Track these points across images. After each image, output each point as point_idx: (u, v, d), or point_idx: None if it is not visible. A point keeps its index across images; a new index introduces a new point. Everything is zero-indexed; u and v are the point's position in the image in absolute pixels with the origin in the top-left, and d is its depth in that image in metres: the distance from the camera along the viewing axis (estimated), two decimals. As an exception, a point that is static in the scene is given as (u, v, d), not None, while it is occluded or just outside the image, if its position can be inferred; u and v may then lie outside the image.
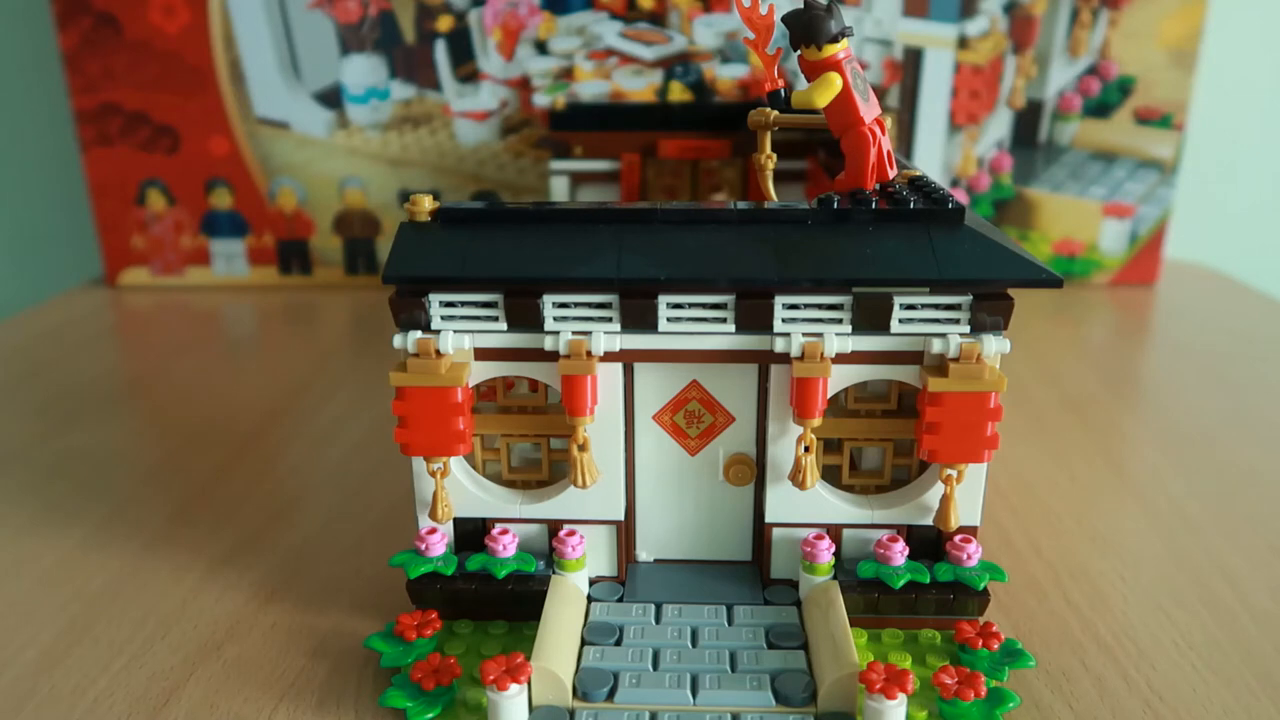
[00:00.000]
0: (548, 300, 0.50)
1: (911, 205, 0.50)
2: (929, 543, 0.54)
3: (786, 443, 0.53)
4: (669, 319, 0.50)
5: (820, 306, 0.50)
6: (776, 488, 0.54)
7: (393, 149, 1.13)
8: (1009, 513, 0.67)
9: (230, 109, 1.12)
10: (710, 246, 0.49)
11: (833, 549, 0.53)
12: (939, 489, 0.52)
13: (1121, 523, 0.66)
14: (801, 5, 0.51)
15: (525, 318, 0.50)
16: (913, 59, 1.09)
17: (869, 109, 0.52)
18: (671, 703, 0.47)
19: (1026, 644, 0.52)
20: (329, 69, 1.11)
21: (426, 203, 0.52)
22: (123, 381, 0.92)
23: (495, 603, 0.54)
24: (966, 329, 0.50)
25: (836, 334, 0.50)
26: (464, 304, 0.51)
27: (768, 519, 0.54)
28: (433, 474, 0.52)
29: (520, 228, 0.51)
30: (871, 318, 0.50)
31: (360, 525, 0.66)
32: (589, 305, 0.50)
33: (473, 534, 0.55)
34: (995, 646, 0.50)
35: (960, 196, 1.12)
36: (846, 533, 0.55)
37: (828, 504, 0.54)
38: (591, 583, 0.55)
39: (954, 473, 0.51)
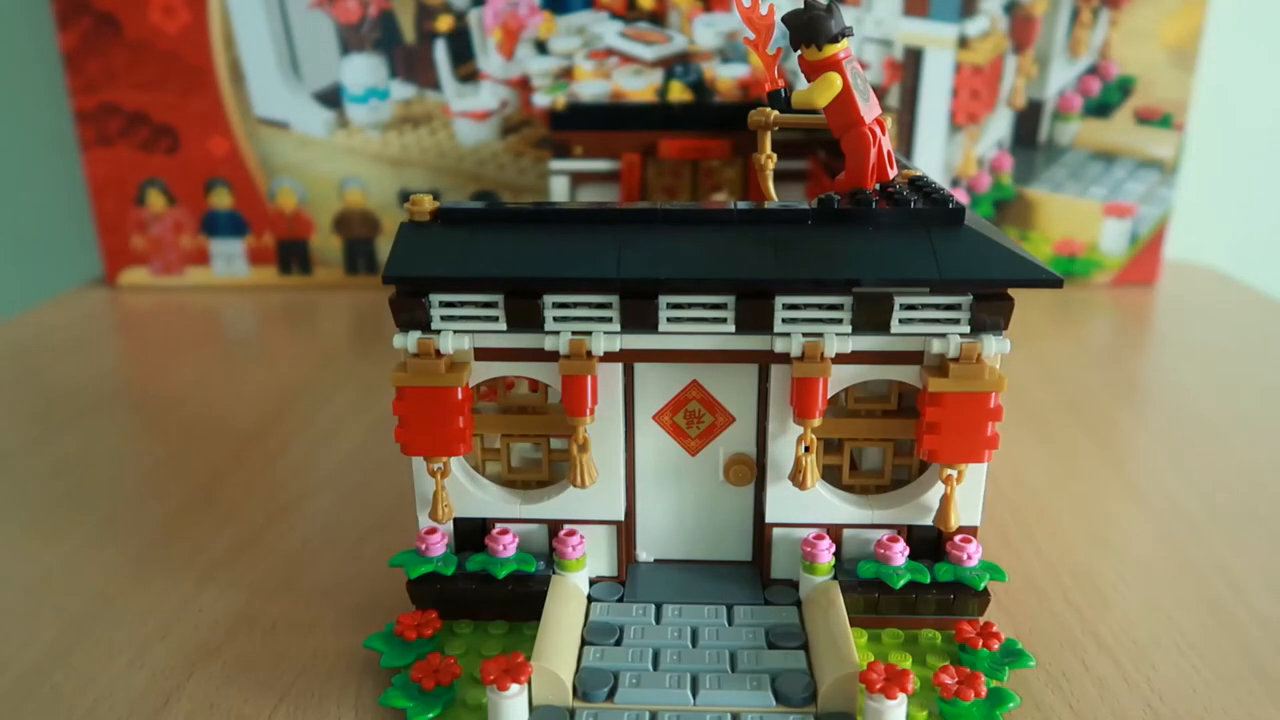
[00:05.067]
0: (548, 300, 0.50)
1: (911, 205, 0.50)
2: (929, 543, 0.54)
3: (786, 443, 0.53)
4: (669, 319, 0.50)
5: (820, 306, 0.50)
6: (776, 488, 0.54)
7: (393, 149, 1.13)
8: (1009, 513, 0.67)
9: (230, 109, 1.12)
10: (710, 246, 0.49)
11: (833, 549, 0.53)
12: (939, 489, 0.52)
13: (1121, 523, 0.66)
14: (801, 5, 0.51)
15: (525, 318, 0.50)
16: (913, 59, 1.09)
17: (869, 109, 0.52)
18: (671, 703, 0.47)
19: (1026, 644, 0.52)
20: (329, 69, 1.11)
21: (426, 203, 0.52)
22: (123, 382, 0.92)
23: (495, 603, 0.54)
24: (966, 329, 0.50)
25: (836, 334, 0.50)
26: (464, 304, 0.51)
27: (768, 519, 0.54)
28: (433, 474, 0.52)
29: (520, 228, 0.51)
30: (871, 318, 0.49)
31: (360, 525, 0.66)
32: (589, 305, 0.50)
33: (473, 534, 0.55)
34: (995, 646, 0.50)
35: (960, 196, 1.12)
36: (846, 533, 0.55)
37: (828, 504, 0.54)
38: (591, 583, 0.55)
39: (954, 473, 0.51)
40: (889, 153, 0.53)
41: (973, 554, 0.53)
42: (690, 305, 0.50)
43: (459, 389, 0.50)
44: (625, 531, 0.55)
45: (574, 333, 0.50)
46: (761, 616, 0.52)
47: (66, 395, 0.88)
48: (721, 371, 0.53)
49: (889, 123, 0.55)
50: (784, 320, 0.50)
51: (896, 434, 0.53)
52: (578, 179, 0.99)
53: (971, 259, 0.48)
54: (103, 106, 1.12)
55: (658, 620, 0.52)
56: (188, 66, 1.10)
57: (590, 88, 1.10)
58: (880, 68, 1.10)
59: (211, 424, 0.81)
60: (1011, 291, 0.49)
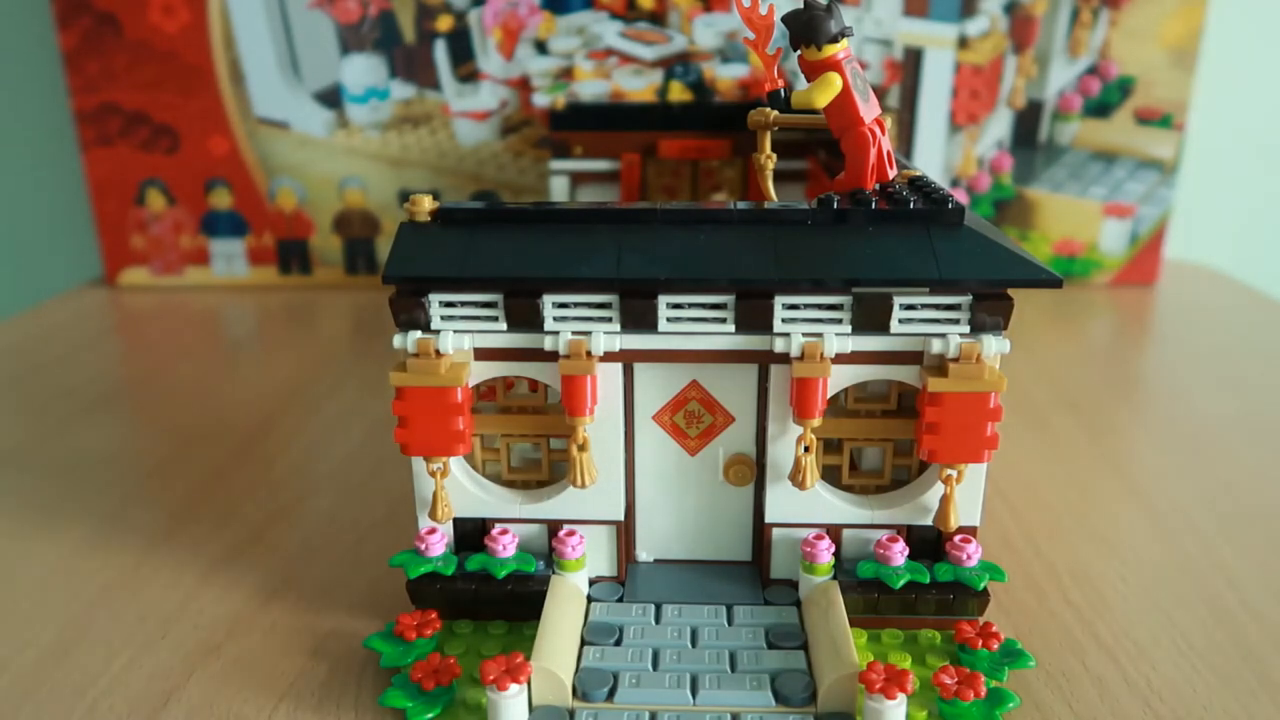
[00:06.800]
0: (548, 300, 0.50)
1: (911, 205, 0.50)
2: (929, 543, 0.54)
3: (786, 443, 0.53)
4: (669, 319, 0.50)
5: (820, 306, 0.50)
6: (776, 488, 0.54)
7: (393, 149, 1.13)
8: (1009, 513, 0.67)
9: (230, 109, 1.12)
10: (710, 246, 0.49)
11: (833, 549, 0.53)
12: (939, 489, 0.52)
13: (1121, 523, 0.66)
14: (801, 5, 0.51)
15: (525, 318, 0.50)
16: (913, 59, 1.09)
17: (869, 109, 0.52)
18: (671, 703, 0.47)
19: (1026, 644, 0.52)
20: (329, 69, 1.11)
21: (426, 203, 0.52)
22: (122, 381, 0.92)
23: (495, 603, 0.54)
24: (966, 329, 0.50)
25: (836, 334, 0.50)
26: (464, 304, 0.51)
27: (768, 519, 0.54)
28: (433, 474, 0.52)
29: (520, 228, 0.51)
30: (871, 318, 0.50)
31: (360, 525, 0.66)
32: (589, 305, 0.50)
33: (473, 534, 0.55)
34: (995, 646, 0.50)
35: (960, 196, 1.12)
36: (846, 533, 0.55)
37: (828, 504, 0.54)
38: (591, 583, 0.55)
39: (954, 473, 0.51)
40: (889, 153, 0.53)
41: (972, 554, 0.53)
42: (690, 305, 0.50)
43: (459, 389, 0.50)
44: (625, 531, 0.55)
45: (574, 333, 0.50)
46: (761, 616, 0.52)
47: (66, 395, 0.88)
48: (721, 371, 0.53)
49: (889, 123, 0.55)
50: (784, 320, 0.50)
51: (896, 434, 0.53)
52: (578, 179, 0.99)
53: (971, 259, 0.48)
54: (103, 106, 1.12)
55: (657, 620, 0.52)
56: (187, 66, 1.10)
57: (590, 88, 1.10)
58: (880, 68, 1.10)
59: (211, 424, 0.81)
60: (1011, 291, 0.49)
